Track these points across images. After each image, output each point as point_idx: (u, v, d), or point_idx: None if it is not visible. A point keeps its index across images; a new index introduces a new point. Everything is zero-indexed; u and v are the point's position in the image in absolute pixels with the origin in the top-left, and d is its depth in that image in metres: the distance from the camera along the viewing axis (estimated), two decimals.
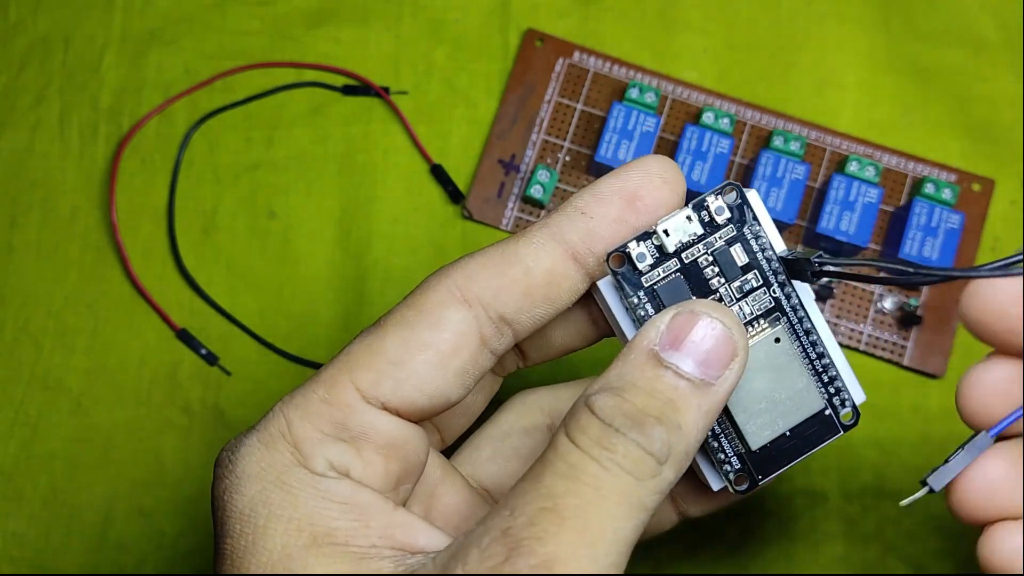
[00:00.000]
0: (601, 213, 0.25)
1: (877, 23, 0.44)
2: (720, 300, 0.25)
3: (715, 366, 0.23)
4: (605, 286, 0.25)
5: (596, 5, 0.44)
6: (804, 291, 0.26)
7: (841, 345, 0.41)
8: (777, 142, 0.41)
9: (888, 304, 0.41)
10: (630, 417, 0.22)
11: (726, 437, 0.25)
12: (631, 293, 0.25)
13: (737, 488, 0.26)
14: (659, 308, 0.25)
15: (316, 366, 0.41)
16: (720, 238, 0.25)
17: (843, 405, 0.26)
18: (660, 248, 0.25)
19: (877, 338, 0.41)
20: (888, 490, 0.40)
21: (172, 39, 0.43)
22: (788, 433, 0.25)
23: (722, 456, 0.26)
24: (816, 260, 0.24)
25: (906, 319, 0.41)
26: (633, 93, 0.41)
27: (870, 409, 0.41)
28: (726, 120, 0.41)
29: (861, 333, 0.41)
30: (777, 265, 0.25)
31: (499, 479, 0.29)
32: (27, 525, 0.40)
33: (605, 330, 0.28)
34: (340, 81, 0.43)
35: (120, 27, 0.43)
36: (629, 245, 0.24)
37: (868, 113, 0.43)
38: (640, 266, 0.24)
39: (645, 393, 0.22)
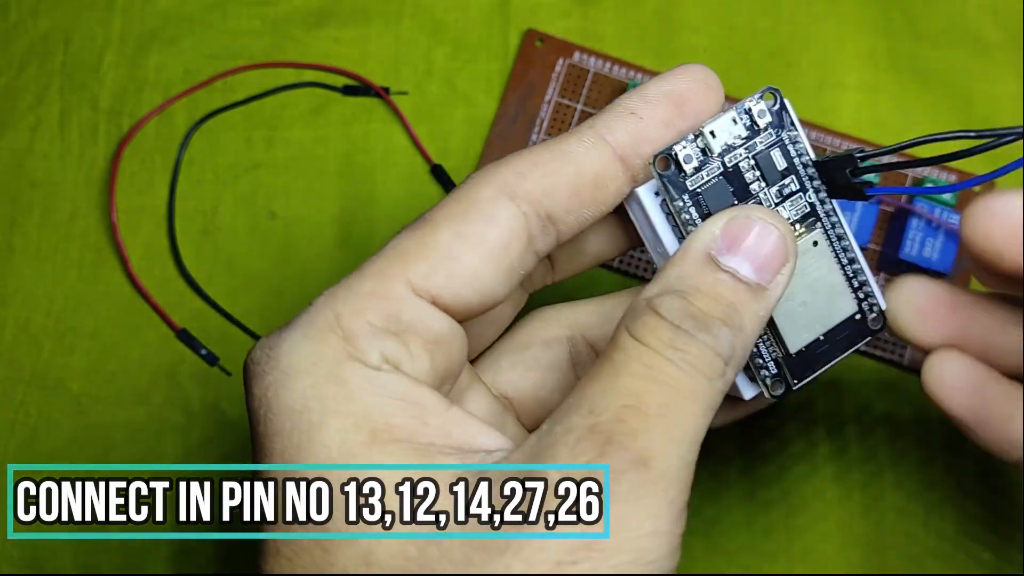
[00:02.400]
0: (650, 115, 0.25)
1: (877, 23, 0.44)
2: (760, 204, 0.25)
3: (770, 270, 0.23)
4: (645, 193, 0.25)
5: (596, 5, 0.44)
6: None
7: None
8: None
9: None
10: (697, 319, 0.22)
11: (763, 343, 0.26)
12: (676, 196, 0.24)
13: (773, 393, 0.26)
14: (702, 212, 0.25)
15: None
16: (761, 142, 0.25)
17: (871, 310, 0.27)
18: (705, 150, 0.25)
19: (877, 338, 0.41)
20: (888, 489, 0.40)
21: (172, 39, 0.43)
22: (822, 337, 0.26)
23: (760, 361, 0.26)
24: (858, 155, 0.25)
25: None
26: None
27: (869, 410, 0.41)
28: None
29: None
30: (812, 171, 0.26)
31: (520, 388, 0.29)
32: (27, 527, 0.40)
33: (636, 239, 0.27)
34: (340, 81, 0.43)
35: (120, 27, 0.43)
36: (675, 147, 0.24)
37: (868, 113, 0.43)
38: (686, 168, 0.24)
39: (709, 297, 0.23)
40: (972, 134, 0.24)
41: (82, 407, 0.41)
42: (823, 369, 0.26)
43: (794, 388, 0.26)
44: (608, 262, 0.28)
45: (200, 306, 0.41)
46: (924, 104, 0.44)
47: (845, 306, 0.26)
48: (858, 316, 0.26)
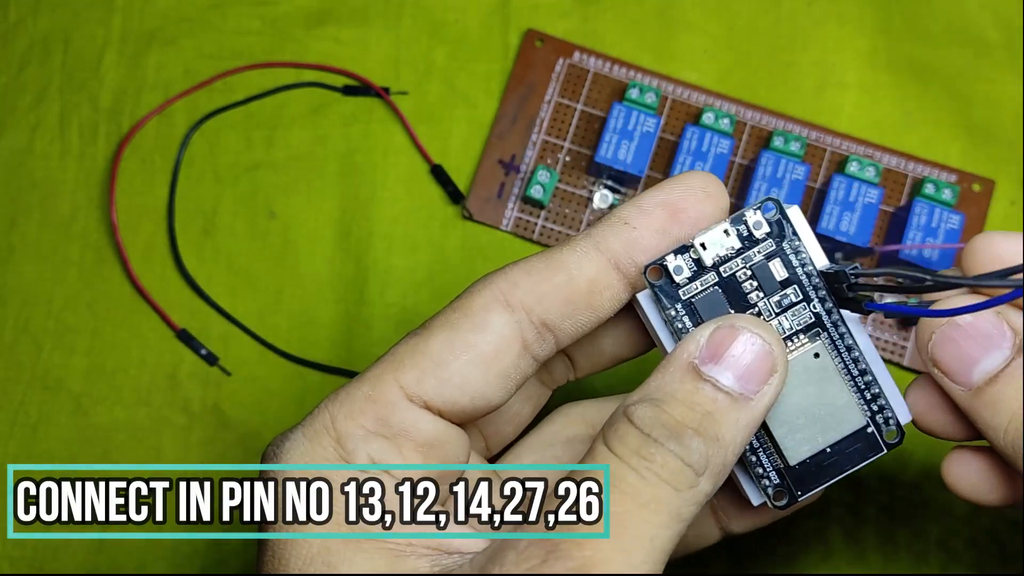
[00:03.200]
0: (644, 224, 0.25)
1: (877, 23, 0.44)
2: (759, 314, 0.25)
3: (754, 381, 0.23)
4: (644, 299, 0.26)
5: (596, 5, 0.44)
6: (851, 316, 0.26)
7: None
8: (777, 142, 0.41)
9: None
10: (668, 428, 0.22)
11: (764, 452, 0.25)
12: (668, 306, 0.25)
13: (776, 504, 0.26)
14: (697, 321, 0.25)
15: (316, 366, 0.41)
16: (759, 252, 0.25)
17: (887, 423, 0.26)
18: (698, 261, 0.25)
19: (877, 339, 0.41)
20: (889, 491, 0.40)
21: (172, 39, 0.43)
22: (828, 450, 0.25)
23: (760, 471, 0.25)
24: (851, 272, 0.24)
25: (906, 320, 0.41)
26: (633, 93, 0.41)
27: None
28: (726, 120, 0.41)
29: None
30: (818, 280, 0.25)
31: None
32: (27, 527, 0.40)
33: (651, 340, 0.28)
34: (340, 81, 0.43)
35: (120, 27, 0.43)
36: (667, 258, 0.25)
37: (868, 113, 0.43)
38: (677, 279, 0.25)
39: (684, 405, 0.23)
40: (971, 281, 0.23)
41: (82, 407, 0.41)
42: (830, 482, 0.26)
43: (799, 499, 0.26)
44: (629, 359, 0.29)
45: (200, 306, 0.41)
46: (924, 104, 0.44)
47: (852, 419, 0.25)
48: (870, 429, 0.25)
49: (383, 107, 0.43)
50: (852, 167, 0.40)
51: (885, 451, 0.26)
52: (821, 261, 0.26)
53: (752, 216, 0.25)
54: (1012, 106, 0.43)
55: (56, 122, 0.43)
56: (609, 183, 0.42)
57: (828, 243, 0.40)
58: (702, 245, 0.25)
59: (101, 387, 0.41)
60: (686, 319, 0.25)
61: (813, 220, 0.41)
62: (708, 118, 0.41)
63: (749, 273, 0.25)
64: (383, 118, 0.43)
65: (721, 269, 0.25)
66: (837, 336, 0.25)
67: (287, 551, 0.23)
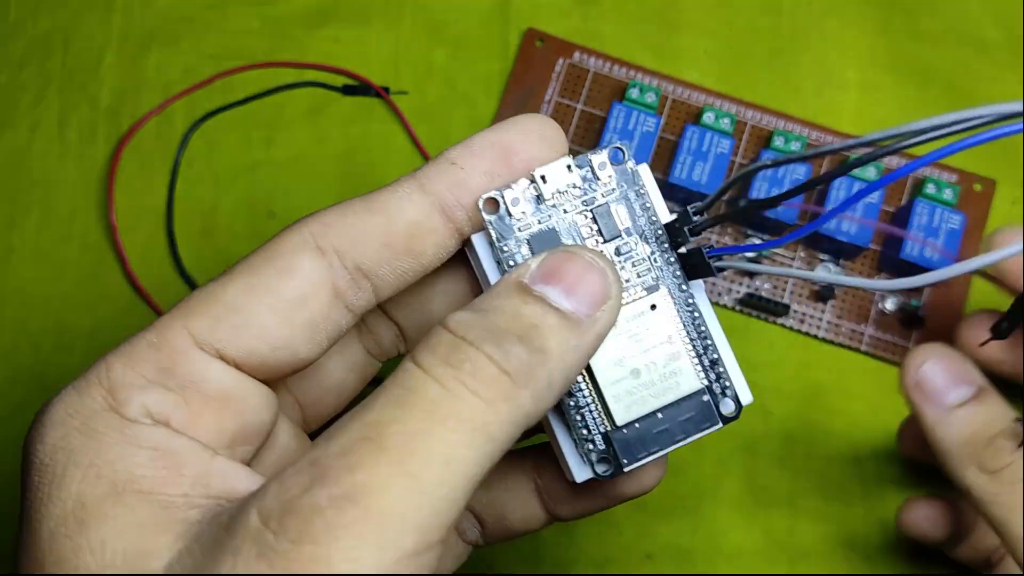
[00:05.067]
0: (472, 165, 0.23)
1: (877, 23, 0.44)
2: None
3: (588, 302, 0.21)
4: (478, 239, 0.24)
5: (596, 5, 0.44)
6: (696, 286, 0.25)
7: (842, 346, 0.41)
8: (778, 142, 0.41)
9: (890, 305, 0.41)
10: (488, 331, 0.20)
11: (590, 411, 0.23)
12: (502, 239, 0.23)
13: (599, 471, 0.24)
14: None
15: None
16: (602, 195, 0.24)
17: (724, 394, 0.24)
18: (538, 196, 0.23)
19: (879, 339, 0.41)
20: (890, 493, 0.40)
21: (171, 39, 0.43)
22: (660, 415, 0.23)
23: (585, 432, 0.23)
24: (692, 210, 0.23)
25: (908, 320, 0.41)
26: (633, 93, 0.41)
27: (870, 410, 0.41)
28: (727, 120, 0.41)
29: (862, 334, 0.41)
30: (661, 234, 0.24)
31: None
32: None
33: None
34: (340, 81, 0.43)
35: (119, 27, 0.43)
36: (504, 191, 0.23)
37: (868, 113, 0.43)
38: (514, 211, 0.23)
39: (509, 315, 0.20)
40: (769, 163, 0.22)
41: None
42: (659, 452, 0.23)
43: (624, 468, 0.23)
44: None
45: None
46: (924, 104, 0.43)
47: (688, 382, 0.23)
48: (706, 397, 0.24)
49: (383, 107, 0.43)
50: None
51: (720, 424, 0.24)
52: (665, 216, 0.24)
53: (598, 158, 0.24)
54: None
55: (55, 122, 0.42)
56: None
57: (830, 243, 0.40)
58: (542, 177, 0.23)
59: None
60: (521, 254, 0.23)
61: (814, 220, 0.41)
62: (708, 118, 0.41)
63: (590, 215, 0.24)
64: (383, 118, 0.43)
65: (561, 207, 0.23)
66: (679, 293, 0.24)
67: (38, 512, 0.20)
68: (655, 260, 0.24)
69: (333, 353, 0.25)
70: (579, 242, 0.24)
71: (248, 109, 0.43)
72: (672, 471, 0.40)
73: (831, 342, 0.41)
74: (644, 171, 0.24)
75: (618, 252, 0.24)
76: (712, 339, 0.24)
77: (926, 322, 0.41)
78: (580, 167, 0.24)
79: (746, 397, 0.24)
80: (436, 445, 0.19)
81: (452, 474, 0.19)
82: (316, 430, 0.27)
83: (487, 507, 0.27)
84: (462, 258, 0.25)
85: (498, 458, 0.20)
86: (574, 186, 0.24)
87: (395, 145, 0.43)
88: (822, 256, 0.42)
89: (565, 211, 0.24)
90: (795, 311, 0.41)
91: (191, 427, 0.21)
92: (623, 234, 0.24)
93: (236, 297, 0.22)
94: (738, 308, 0.41)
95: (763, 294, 0.41)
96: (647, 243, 0.24)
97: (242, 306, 0.22)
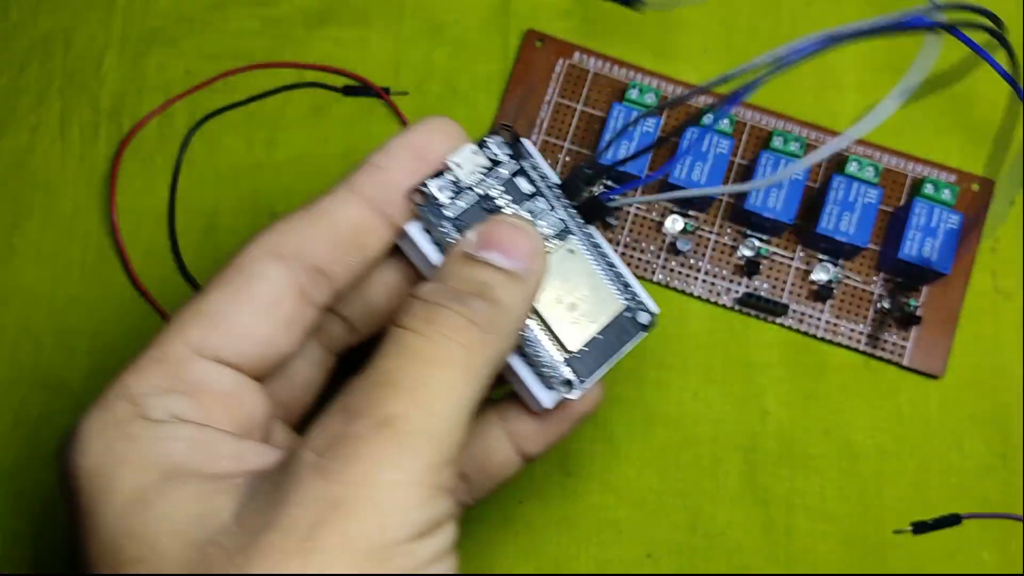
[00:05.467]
0: (393, 165, 0.27)
1: None
2: None
3: (522, 257, 0.26)
4: (413, 228, 0.27)
5: (596, 5, 0.44)
6: (593, 229, 0.29)
7: (841, 345, 0.41)
8: (777, 143, 0.41)
9: (888, 304, 0.41)
10: (451, 293, 0.24)
11: (548, 345, 0.28)
12: (436, 223, 0.27)
13: (566, 393, 0.28)
14: (462, 232, 0.27)
15: None
16: (506, 170, 0.28)
17: (640, 308, 0.29)
18: (455, 181, 0.27)
19: (876, 338, 0.41)
20: (888, 492, 0.40)
21: (172, 40, 0.43)
22: (600, 336, 0.28)
23: (547, 364, 0.28)
24: (585, 167, 0.28)
25: (906, 319, 0.41)
26: (633, 94, 0.41)
27: (869, 409, 0.41)
28: (726, 120, 0.41)
29: (861, 333, 0.41)
30: (559, 191, 0.29)
31: None
32: (27, 525, 0.40)
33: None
34: (340, 82, 0.43)
35: (120, 28, 0.43)
36: (427, 181, 0.27)
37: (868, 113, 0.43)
38: (441, 198, 0.27)
39: (464, 280, 0.25)
40: (668, 103, 0.26)
41: (83, 407, 0.40)
42: (608, 364, 0.29)
43: (584, 384, 0.28)
44: None
45: None
46: (923, 104, 0.44)
47: (613, 305, 0.29)
48: (628, 313, 0.29)
49: (383, 108, 0.43)
50: (852, 167, 0.41)
51: (644, 333, 0.29)
52: (554, 177, 0.29)
53: (492, 139, 0.28)
54: (1012, 106, 0.43)
55: (57, 123, 0.43)
56: (608, 183, 0.42)
57: (828, 243, 0.40)
58: (456, 164, 0.27)
59: (102, 387, 0.41)
60: (454, 233, 0.27)
61: (813, 220, 0.41)
62: (708, 118, 0.41)
63: (502, 188, 0.28)
64: (383, 118, 0.43)
65: (476, 188, 0.28)
66: (584, 236, 0.29)
67: (95, 509, 0.23)
68: (559, 212, 0.29)
69: (298, 354, 0.28)
70: (498, 212, 0.28)
71: (249, 110, 0.43)
72: (673, 471, 0.41)
73: (830, 342, 0.41)
74: (527, 143, 0.29)
75: (531, 212, 0.28)
76: (618, 268, 0.29)
77: (923, 321, 0.41)
78: (482, 148, 0.28)
79: (654, 307, 0.30)
80: (435, 383, 0.23)
81: (453, 403, 0.23)
82: (299, 426, 0.30)
83: (469, 462, 0.30)
84: (389, 251, 0.28)
85: (483, 392, 0.24)
86: (482, 167, 0.28)
87: None
88: (821, 256, 0.42)
89: (480, 188, 0.28)
90: (794, 311, 0.41)
91: (211, 422, 0.24)
92: (530, 197, 0.28)
93: (219, 307, 0.25)
94: (737, 308, 0.42)
95: (762, 294, 0.41)
96: (550, 201, 0.29)
97: (227, 313, 0.25)
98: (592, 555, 0.40)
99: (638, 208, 0.42)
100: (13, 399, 0.41)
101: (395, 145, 0.27)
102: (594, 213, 0.29)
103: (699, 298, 0.42)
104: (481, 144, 0.28)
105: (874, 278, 0.42)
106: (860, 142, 0.43)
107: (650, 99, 0.41)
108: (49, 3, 0.44)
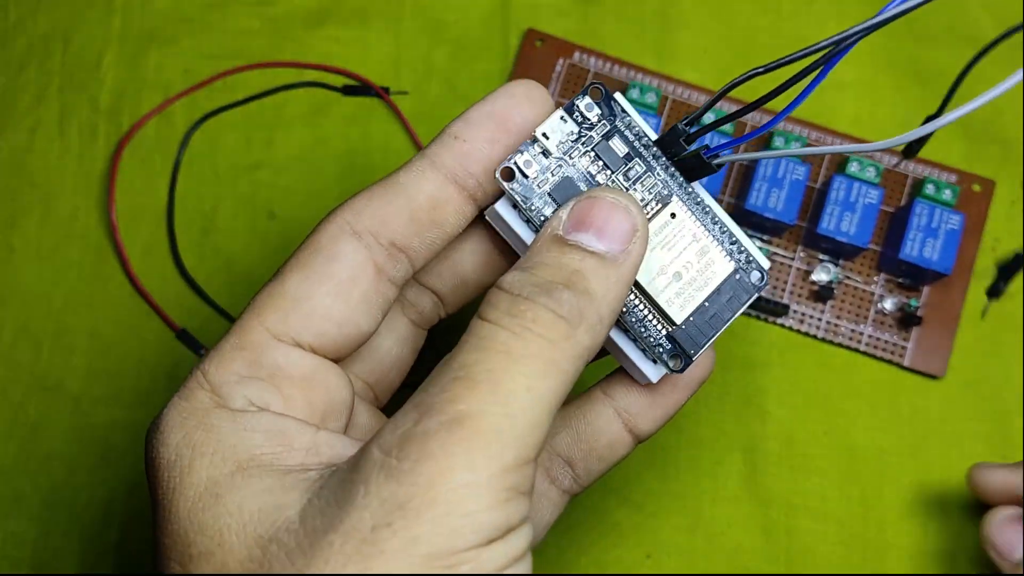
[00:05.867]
0: (474, 136, 0.26)
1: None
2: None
3: (618, 239, 0.24)
4: (502, 206, 0.26)
5: (596, 5, 0.44)
6: (697, 184, 0.27)
7: (841, 346, 0.41)
8: (778, 142, 0.41)
9: (889, 305, 0.41)
10: (538, 286, 0.23)
11: (651, 320, 0.26)
12: (527, 203, 0.25)
13: (674, 368, 0.26)
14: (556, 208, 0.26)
15: None
16: (597, 133, 0.26)
17: (751, 268, 0.27)
18: (544, 152, 0.26)
19: (877, 339, 0.41)
20: (888, 492, 0.40)
21: (171, 39, 0.43)
22: (707, 303, 0.27)
23: (651, 340, 0.26)
24: (682, 125, 0.26)
25: (906, 320, 0.41)
26: (633, 93, 0.41)
27: (869, 410, 0.41)
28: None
29: (861, 334, 0.41)
30: (656, 150, 0.27)
31: None
32: (27, 525, 0.40)
33: (513, 258, 0.28)
34: (340, 81, 0.43)
35: (119, 27, 0.43)
36: (515, 157, 0.25)
37: (868, 113, 0.43)
38: (529, 173, 0.25)
39: (552, 267, 0.24)
40: (761, 69, 0.24)
41: (81, 407, 0.41)
42: (716, 334, 0.27)
43: (693, 357, 0.27)
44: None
45: (200, 306, 0.41)
46: (923, 104, 0.43)
47: (721, 268, 0.27)
48: (738, 275, 0.27)
49: (383, 107, 0.43)
50: (852, 167, 0.40)
51: (757, 293, 0.27)
52: (652, 134, 0.27)
53: (582, 100, 0.26)
54: (1012, 106, 0.43)
55: (56, 122, 0.43)
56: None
57: (829, 243, 0.40)
58: (544, 135, 0.26)
59: (101, 387, 0.41)
60: (548, 210, 0.26)
61: (813, 220, 0.41)
62: (708, 118, 0.41)
63: (594, 154, 0.26)
64: (383, 118, 0.43)
65: (567, 156, 0.26)
66: (686, 196, 0.27)
67: (172, 500, 0.23)
68: (659, 174, 0.27)
69: (384, 331, 0.28)
70: (591, 182, 0.26)
71: (248, 109, 0.43)
72: (673, 470, 0.41)
73: (830, 342, 0.41)
74: (620, 99, 0.27)
75: (626, 177, 0.26)
76: (726, 225, 0.27)
77: (924, 322, 0.41)
78: (571, 114, 0.26)
79: (765, 263, 0.27)
80: (517, 378, 0.22)
81: (534, 400, 0.22)
82: (387, 405, 0.29)
83: (574, 445, 0.29)
84: (478, 220, 0.27)
85: (569, 388, 0.23)
86: (572, 133, 0.26)
87: (395, 145, 0.43)
88: (821, 256, 0.42)
89: (571, 158, 0.26)
90: (794, 311, 0.41)
91: (289, 409, 0.24)
92: (625, 161, 0.26)
93: (297, 289, 0.25)
94: None
95: (763, 294, 0.41)
96: (648, 162, 0.27)
97: (304, 295, 0.25)
98: (592, 556, 0.40)
99: None
100: (11, 399, 0.40)
101: (475, 114, 0.26)
102: (697, 170, 0.27)
103: None
104: (569, 108, 0.26)
105: (875, 278, 0.42)
106: (858, 141, 0.43)
107: (651, 99, 0.41)
108: (48, 3, 0.43)
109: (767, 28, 0.44)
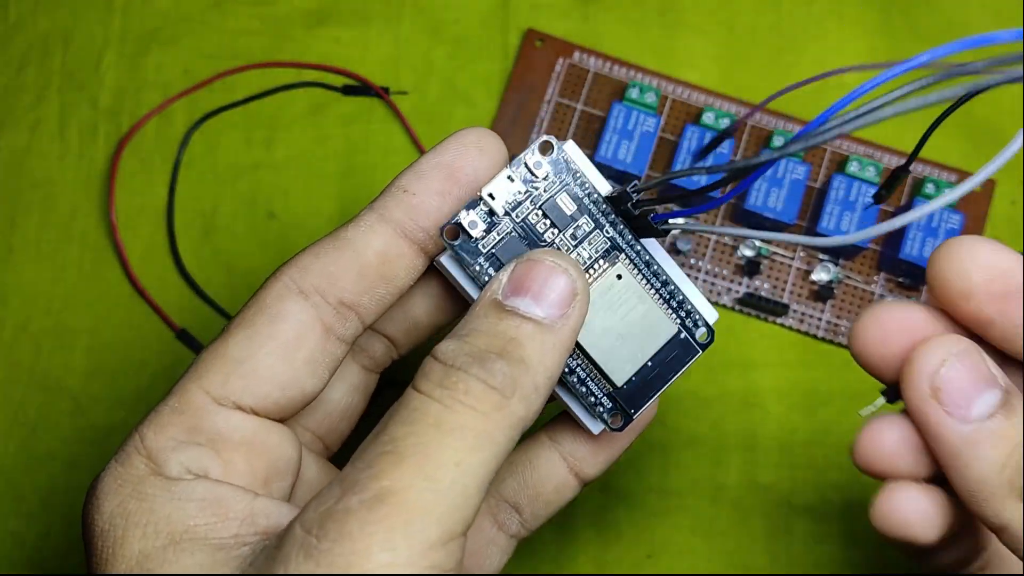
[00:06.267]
0: (423, 188, 0.25)
1: (877, 23, 0.44)
2: (557, 249, 0.26)
3: (556, 305, 0.23)
4: (448, 260, 0.26)
5: (596, 5, 0.44)
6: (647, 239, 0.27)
7: (841, 345, 0.41)
8: (777, 142, 0.41)
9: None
10: (472, 356, 0.22)
11: (592, 380, 0.26)
12: (471, 262, 0.25)
13: (613, 427, 0.27)
14: (498, 268, 0.26)
15: None
16: (545, 191, 0.26)
17: (696, 326, 0.27)
18: (490, 212, 0.25)
19: (844, 326, 0.41)
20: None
21: (171, 39, 0.43)
22: (650, 363, 0.26)
23: (592, 399, 0.26)
24: (631, 190, 0.25)
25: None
26: (633, 93, 0.41)
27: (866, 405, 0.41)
28: (726, 120, 0.41)
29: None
30: (605, 207, 0.26)
31: None
32: (27, 525, 0.40)
33: (464, 302, 0.28)
34: (340, 81, 0.43)
35: (119, 27, 0.43)
36: (459, 215, 0.25)
37: None
38: (474, 233, 0.25)
39: (487, 335, 0.23)
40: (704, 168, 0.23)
41: (81, 407, 0.41)
42: (657, 394, 0.27)
43: (633, 417, 0.27)
44: (446, 325, 0.29)
45: (199, 306, 0.41)
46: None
47: (664, 329, 0.26)
48: (683, 335, 0.27)
49: (383, 107, 0.43)
50: (852, 167, 0.40)
51: (700, 352, 0.27)
52: (604, 188, 0.26)
53: (531, 158, 0.26)
54: (1012, 106, 0.43)
55: (56, 122, 0.43)
56: (609, 182, 0.42)
57: None
58: (490, 195, 0.25)
59: (101, 387, 0.41)
60: (491, 270, 0.25)
61: (813, 220, 0.41)
62: (708, 118, 0.41)
63: (541, 213, 0.26)
64: (383, 118, 0.43)
65: (514, 215, 0.26)
66: (634, 255, 0.26)
67: (106, 565, 0.23)
68: (607, 231, 0.26)
69: (334, 382, 0.27)
70: (537, 241, 0.26)
71: (248, 109, 0.43)
72: (673, 471, 0.41)
73: (830, 341, 0.41)
74: (572, 150, 0.26)
75: (573, 236, 0.26)
76: (673, 282, 0.27)
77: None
78: (517, 170, 0.26)
79: (711, 316, 0.27)
80: (446, 452, 0.21)
81: (463, 474, 0.21)
82: (337, 453, 0.29)
83: (521, 491, 0.29)
84: (431, 267, 0.27)
85: (503, 457, 0.22)
86: (519, 192, 0.26)
87: (395, 145, 0.43)
88: (822, 256, 0.42)
89: (517, 216, 0.26)
90: (794, 311, 0.41)
91: (228, 475, 0.24)
92: (572, 219, 0.26)
93: (239, 351, 0.24)
94: (737, 308, 0.41)
95: (763, 294, 0.41)
96: (596, 219, 0.26)
97: (246, 357, 0.24)
98: (592, 555, 0.40)
99: None
100: (11, 398, 0.40)
101: (425, 166, 0.26)
102: (647, 229, 0.26)
103: None
104: (518, 163, 0.26)
105: (875, 278, 0.42)
106: (860, 142, 0.43)
107: (650, 99, 0.41)
108: (48, 3, 0.43)
109: (767, 28, 0.44)
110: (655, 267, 0.27)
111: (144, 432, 0.24)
